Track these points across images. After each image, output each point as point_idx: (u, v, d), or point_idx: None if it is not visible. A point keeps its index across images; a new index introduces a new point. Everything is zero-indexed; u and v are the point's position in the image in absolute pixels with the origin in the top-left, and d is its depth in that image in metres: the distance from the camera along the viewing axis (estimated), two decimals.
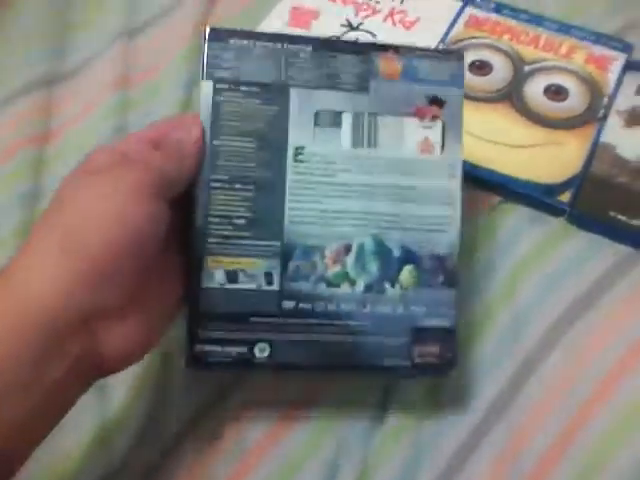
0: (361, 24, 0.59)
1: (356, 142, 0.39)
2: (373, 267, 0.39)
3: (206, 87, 0.38)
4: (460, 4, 0.59)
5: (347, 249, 0.39)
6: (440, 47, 0.56)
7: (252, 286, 0.38)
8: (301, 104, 0.38)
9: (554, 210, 0.48)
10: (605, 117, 0.51)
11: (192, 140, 0.36)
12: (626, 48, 0.56)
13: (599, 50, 0.55)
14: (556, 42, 0.56)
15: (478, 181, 0.49)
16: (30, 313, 0.29)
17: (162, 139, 0.35)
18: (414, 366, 0.39)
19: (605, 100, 0.52)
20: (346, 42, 0.44)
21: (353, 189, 0.39)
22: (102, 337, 0.32)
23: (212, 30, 0.38)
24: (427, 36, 0.57)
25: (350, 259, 0.39)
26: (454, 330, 0.39)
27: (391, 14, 0.59)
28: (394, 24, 0.58)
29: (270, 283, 0.38)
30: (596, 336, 0.42)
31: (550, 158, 0.49)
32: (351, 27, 0.58)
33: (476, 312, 0.44)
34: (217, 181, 0.37)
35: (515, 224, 0.47)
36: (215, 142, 0.37)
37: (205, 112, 0.37)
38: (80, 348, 0.30)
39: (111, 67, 0.58)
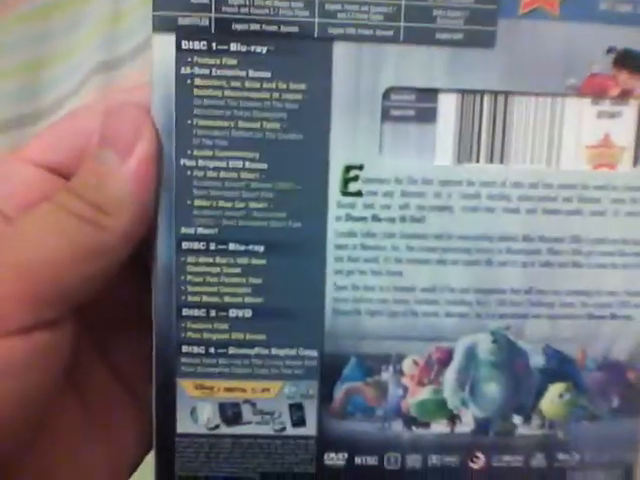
0: None
1: (466, 153, 0.19)
2: (493, 389, 0.19)
3: (162, 48, 0.18)
4: None
5: (445, 358, 0.19)
6: None
7: (266, 430, 0.19)
8: (355, 76, 0.18)
9: None
10: None
11: (130, 166, 0.17)
12: None
13: None
14: None
15: None
16: None
17: (73, 167, 0.18)
18: None
19: None
20: None
21: (461, 246, 0.19)
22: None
23: None
24: None
25: (450, 376, 0.19)
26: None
27: None
28: None
29: (300, 423, 0.19)
30: None
31: None
32: None
33: None
34: (191, 239, 0.18)
35: None
36: (185, 162, 0.18)
37: (162, 99, 0.18)
38: None
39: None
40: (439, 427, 0.20)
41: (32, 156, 0.19)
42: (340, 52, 0.18)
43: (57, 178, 0.19)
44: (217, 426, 0.19)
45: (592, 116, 0.19)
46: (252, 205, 0.18)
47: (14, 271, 0.16)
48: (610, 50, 0.18)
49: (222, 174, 0.18)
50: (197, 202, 0.18)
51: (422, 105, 0.18)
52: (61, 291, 0.16)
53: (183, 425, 0.19)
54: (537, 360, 0.20)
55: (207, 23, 0.18)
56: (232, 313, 0.19)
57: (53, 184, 0.18)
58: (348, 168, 0.18)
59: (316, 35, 0.18)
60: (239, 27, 0.18)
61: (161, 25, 0.18)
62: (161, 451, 0.20)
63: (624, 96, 0.19)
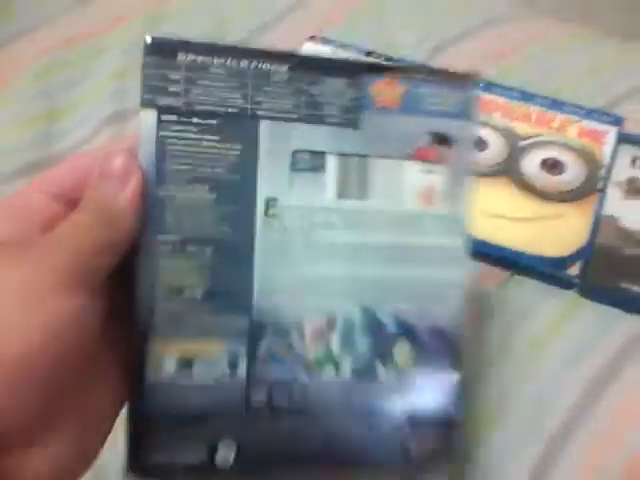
0: None
1: (343, 192, 0.29)
2: (363, 345, 0.28)
3: (147, 118, 0.27)
4: None
5: (331, 325, 0.28)
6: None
7: (212, 376, 0.28)
8: (273, 142, 0.28)
9: (564, 283, 0.43)
10: (604, 189, 0.47)
11: (127, 194, 0.25)
12: (617, 121, 0.52)
13: (591, 124, 0.52)
14: (547, 117, 0.52)
15: (486, 256, 0.45)
16: None
17: (80, 192, 0.26)
18: (410, 463, 0.29)
19: (602, 172, 0.48)
20: (332, 60, 0.30)
21: (339, 251, 0.29)
22: (17, 465, 0.23)
23: (154, 40, 0.27)
24: None
25: (335, 337, 0.28)
26: (459, 420, 0.30)
27: None
28: None
29: (235, 371, 0.28)
30: (622, 411, 0.38)
31: (554, 231, 0.45)
32: None
33: (494, 393, 0.40)
34: (165, 244, 0.27)
35: (526, 299, 0.43)
36: (161, 192, 0.27)
37: (147, 151, 0.27)
38: None
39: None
40: (327, 372, 0.28)
41: (41, 187, 0.27)
42: (264, 126, 0.28)
43: (60, 203, 0.26)
44: (175, 376, 0.27)
45: (422, 172, 0.30)
46: (205, 221, 0.27)
47: (66, 259, 0.23)
48: (430, 133, 0.29)
49: (186, 201, 0.27)
50: (167, 219, 0.27)
51: (316, 162, 0.29)
52: (94, 270, 0.24)
53: (151, 375, 0.27)
54: (390, 327, 0.29)
55: (179, 104, 0.27)
56: (190, 293, 0.27)
57: (59, 207, 0.26)
58: (268, 200, 0.28)
59: (249, 115, 0.28)
60: (199, 108, 0.28)
61: (147, 103, 0.27)
62: (134, 396, 0.27)
63: (440, 161, 0.30)
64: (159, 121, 0.27)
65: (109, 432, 0.27)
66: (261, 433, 0.28)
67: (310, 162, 0.28)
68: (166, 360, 0.27)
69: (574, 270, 0.42)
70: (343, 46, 0.57)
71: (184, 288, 0.27)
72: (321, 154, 0.29)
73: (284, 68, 0.28)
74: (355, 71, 0.29)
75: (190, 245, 0.27)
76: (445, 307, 0.30)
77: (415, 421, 0.29)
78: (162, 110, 0.27)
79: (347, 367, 0.28)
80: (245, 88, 0.28)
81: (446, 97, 0.29)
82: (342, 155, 0.29)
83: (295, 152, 0.28)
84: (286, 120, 0.28)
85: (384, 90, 0.29)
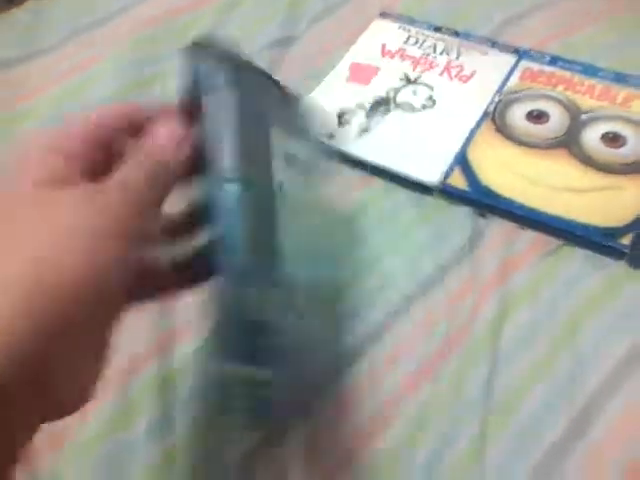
0: (419, 77, 0.55)
1: None
2: None
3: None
4: (515, 58, 0.56)
5: None
6: (497, 98, 0.52)
7: None
8: None
9: (615, 253, 0.43)
10: None
11: (180, 157, 0.27)
12: None
13: None
14: (612, 91, 0.52)
15: (537, 225, 0.45)
16: None
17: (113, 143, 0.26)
18: None
19: None
20: None
21: None
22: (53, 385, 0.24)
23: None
24: (483, 89, 0.54)
25: None
26: None
27: (447, 68, 0.56)
28: (450, 78, 0.55)
29: None
30: None
31: (609, 202, 0.46)
32: (409, 81, 0.55)
33: (538, 353, 0.40)
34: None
35: (576, 268, 0.43)
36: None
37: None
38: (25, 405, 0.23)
39: None
40: None
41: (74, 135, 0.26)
42: None
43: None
44: None
45: None
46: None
47: (128, 212, 0.24)
48: None
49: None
50: None
51: None
52: (146, 227, 0.26)
53: None
54: None
55: None
56: None
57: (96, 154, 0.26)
58: None
59: None
60: None
61: None
62: None
63: None
64: None
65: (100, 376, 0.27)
66: None
67: None
68: None
69: (626, 240, 0.42)
70: (412, 22, 0.59)
71: None
72: None
73: None
74: None
75: None
76: None
77: None
78: None
79: None
80: None
81: None
82: None
83: None
84: None
85: None
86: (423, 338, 0.41)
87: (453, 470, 0.36)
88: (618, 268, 0.42)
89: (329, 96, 0.54)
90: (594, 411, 0.37)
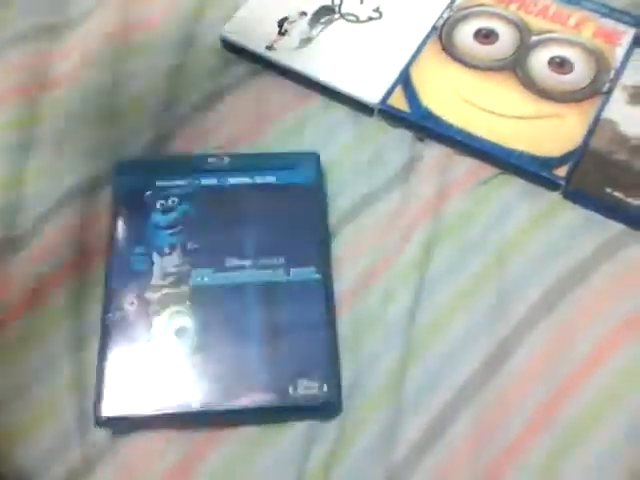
0: None
1: None
2: None
3: None
4: None
5: None
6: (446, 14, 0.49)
7: None
8: None
9: (550, 184, 0.42)
10: (610, 91, 0.46)
11: None
12: (637, 22, 0.49)
13: (608, 23, 0.50)
14: (565, 13, 0.50)
15: (476, 152, 0.43)
16: None
17: None
18: None
19: (611, 74, 0.47)
20: None
21: None
22: None
23: None
24: (433, 3, 0.50)
25: None
26: None
27: None
28: None
29: None
30: (584, 311, 0.38)
31: (549, 131, 0.44)
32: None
33: (462, 283, 0.39)
34: None
35: (510, 197, 0.42)
36: None
37: None
38: None
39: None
40: None
41: None
42: None
43: None
44: None
45: None
46: None
47: None
48: None
49: None
50: None
51: None
52: None
53: None
54: None
55: None
56: None
57: None
58: None
59: None
60: None
61: None
62: None
63: None
64: None
65: None
66: None
67: None
68: None
69: (562, 172, 0.41)
70: None
71: None
72: None
73: None
74: None
75: None
76: None
77: None
78: None
79: None
80: None
81: None
82: None
83: None
84: None
85: None
86: (353, 259, 0.40)
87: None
88: (552, 198, 0.42)
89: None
90: (519, 337, 0.37)
